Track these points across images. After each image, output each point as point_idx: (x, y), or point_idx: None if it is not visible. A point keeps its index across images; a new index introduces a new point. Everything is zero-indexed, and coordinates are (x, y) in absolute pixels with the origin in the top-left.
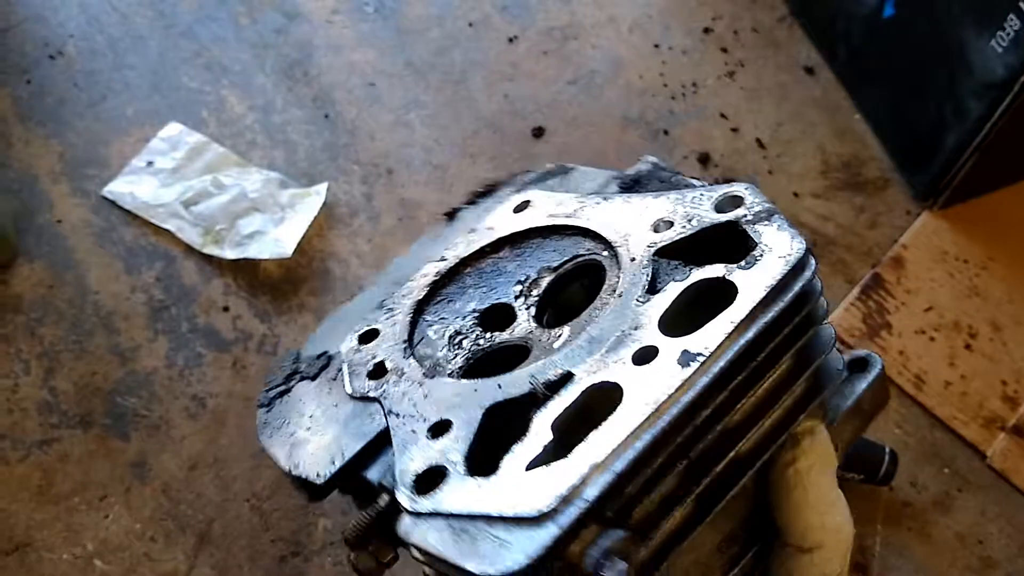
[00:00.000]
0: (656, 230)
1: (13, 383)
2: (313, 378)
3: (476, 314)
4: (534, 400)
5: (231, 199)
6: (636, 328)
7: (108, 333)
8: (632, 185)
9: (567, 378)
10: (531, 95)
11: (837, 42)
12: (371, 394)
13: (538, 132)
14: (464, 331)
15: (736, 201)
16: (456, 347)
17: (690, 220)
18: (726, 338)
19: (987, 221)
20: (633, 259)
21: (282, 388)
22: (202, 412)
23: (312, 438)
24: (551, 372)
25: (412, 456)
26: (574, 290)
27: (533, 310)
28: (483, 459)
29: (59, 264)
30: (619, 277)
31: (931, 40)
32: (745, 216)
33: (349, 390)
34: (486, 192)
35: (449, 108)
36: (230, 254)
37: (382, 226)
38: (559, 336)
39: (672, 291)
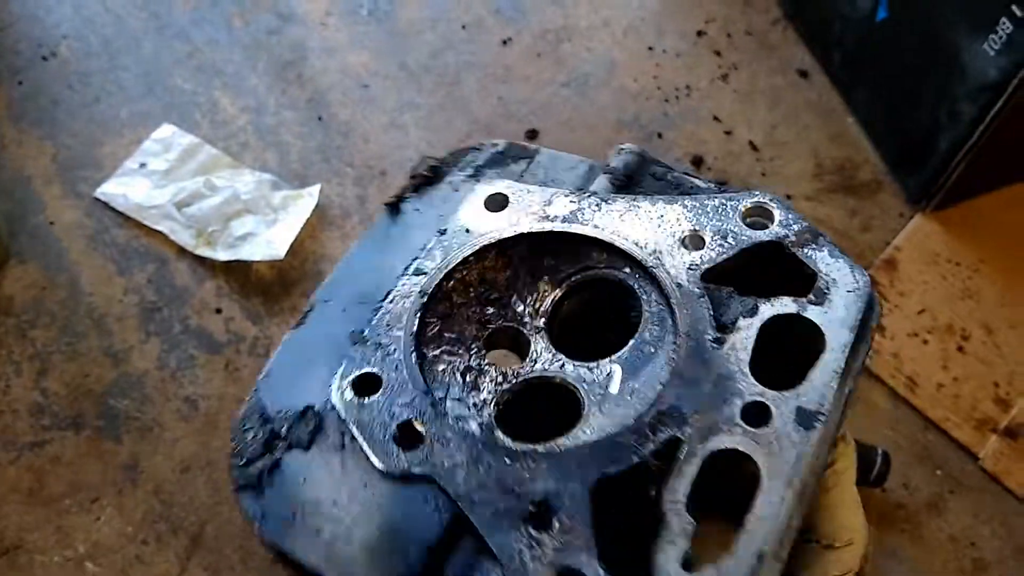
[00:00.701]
0: (686, 246)
1: (4, 384)
2: (307, 447)
3: (480, 342)
4: (642, 472)
5: (224, 201)
6: (726, 377)
7: (100, 335)
8: (626, 183)
9: (674, 443)
10: (525, 97)
11: (831, 45)
12: (416, 471)
13: (532, 134)
14: (475, 367)
15: (766, 214)
16: (472, 388)
17: (725, 237)
18: (833, 392)
19: (980, 224)
20: (680, 285)
21: (266, 461)
22: (194, 414)
23: (352, 535)
24: (652, 439)
25: (524, 559)
26: (572, 304)
27: (546, 335)
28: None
29: (52, 266)
30: (664, 306)
31: (924, 43)
32: (787, 236)
33: (381, 466)
34: (431, 178)
35: (443, 110)
36: (223, 256)
37: None
38: (608, 376)
39: (747, 330)
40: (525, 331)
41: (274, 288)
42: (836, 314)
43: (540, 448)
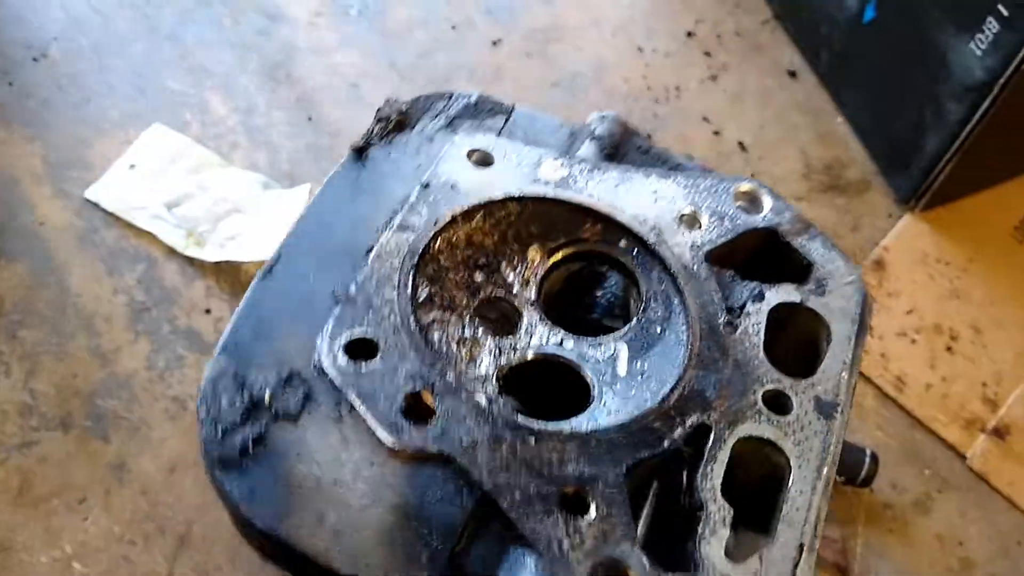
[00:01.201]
0: (685, 225)
1: None
2: (295, 418)
3: (472, 310)
4: (672, 457)
5: (213, 201)
6: (743, 363)
7: (89, 335)
8: (612, 152)
9: (702, 429)
10: (514, 97)
11: (820, 46)
12: (431, 449)
13: None
14: (470, 336)
15: (755, 200)
16: (471, 359)
17: (721, 219)
18: (846, 382)
19: (968, 223)
20: (685, 266)
21: (247, 434)
22: (182, 414)
23: (362, 520)
24: (680, 424)
25: (562, 547)
26: (560, 276)
27: (539, 307)
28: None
29: (40, 266)
30: (670, 285)
31: (911, 43)
32: (780, 224)
33: (391, 443)
34: (401, 123)
35: None
36: (212, 256)
37: None
38: (615, 355)
39: (756, 315)
40: (516, 302)
41: None
42: (837, 305)
43: (564, 428)
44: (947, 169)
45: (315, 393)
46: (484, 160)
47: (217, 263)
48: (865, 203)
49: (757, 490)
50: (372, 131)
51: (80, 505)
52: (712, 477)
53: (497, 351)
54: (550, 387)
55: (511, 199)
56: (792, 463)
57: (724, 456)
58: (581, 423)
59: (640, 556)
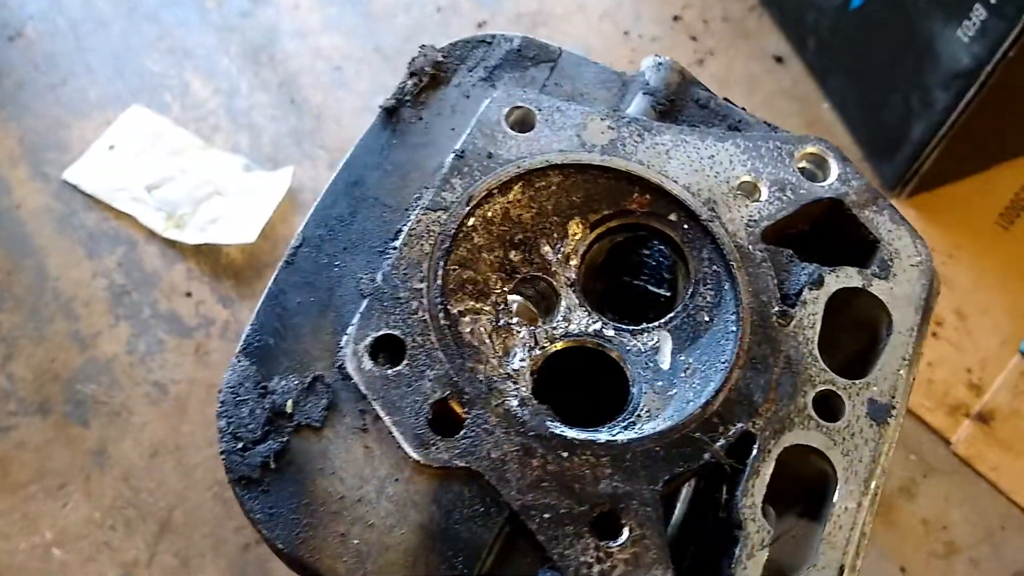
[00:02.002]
0: (741, 196)
1: None
2: (319, 427)
3: (506, 295)
4: (712, 470)
5: (194, 184)
6: (795, 360)
7: (68, 319)
8: (668, 107)
9: (747, 438)
10: None
11: (806, 32)
12: (458, 463)
13: None
14: (504, 324)
15: (821, 165)
16: (504, 351)
17: (783, 189)
18: (903, 381)
19: (953, 210)
20: (739, 246)
21: (270, 445)
22: (164, 399)
23: (387, 541)
24: (723, 432)
25: (591, 572)
26: (603, 252)
27: (578, 289)
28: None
29: (18, 250)
30: (722, 267)
31: (898, 30)
32: (847, 193)
33: (418, 457)
34: (436, 77)
35: None
36: (193, 239)
37: None
38: (655, 345)
39: (813, 304)
40: (555, 283)
41: (245, 271)
42: (902, 290)
43: (599, 438)
44: (933, 156)
45: (339, 401)
46: (524, 121)
47: (198, 246)
48: None
49: (800, 499)
50: (404, 87)
51: (60, 491)
52: (754, 493)
53: (533, 341)
54: (588, 379)
55: (553, 167)
56: (839, 475)
57: (768, 469)
58: (617, 429)
59: None
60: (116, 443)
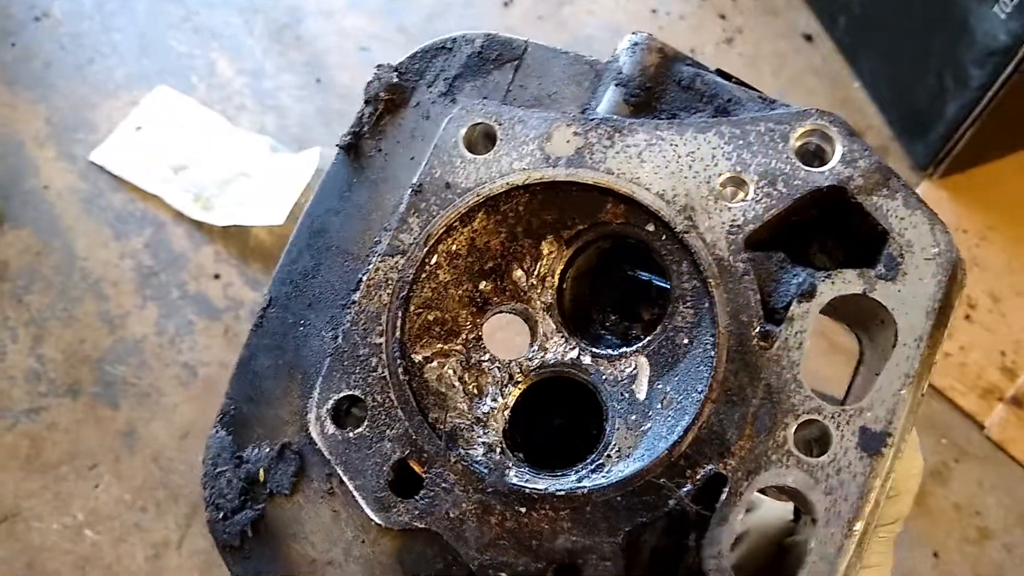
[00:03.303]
0: (725, 196)
1: (0, 351)
2: (290, 493)
3: (477, 329)
4: (678, 518)
5: (221, 165)
6: (776, 389)
7: (97, 300)
8: (643, 98)
9: (717, 480)
10: None
11: (837, 9)
12: (419, 525)
13: None
14: (475, 364)
15: (827, 141)
16: (475, 395)
17: (773, 183)
18: (903, 403)
19: (987, 190)
20: (719, 258)
21: (247, 514)
22: (193, 380)
23: None
24: (690, 475)
25: None
26: (588, 256)
27: (555, 313)
28: None
29: (46, 230)
30: (700, 282)
31: (932, 8)
32: (851, 177)
33: (380, 520)
34: (393, 101)
35: None
36: (220, 220)
37: None
38: (632, 372)
39: (802, 320)
40: (529, 309)
41: (273, 253)
42: (911, 292)
43: (560, 491)
44: (967, 135)
45: (308, 465)
46: (485, 139)
47: (225, 228)
48: None
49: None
50: (361, 117)
51: (91, 472)
52: (720, 542)
53: (507, 376)
54: (566, 412)
55: (515, 189)
56: (819, 518)
57: (737, 516)
58: (584, 472)
59: None
60: (146, 424)
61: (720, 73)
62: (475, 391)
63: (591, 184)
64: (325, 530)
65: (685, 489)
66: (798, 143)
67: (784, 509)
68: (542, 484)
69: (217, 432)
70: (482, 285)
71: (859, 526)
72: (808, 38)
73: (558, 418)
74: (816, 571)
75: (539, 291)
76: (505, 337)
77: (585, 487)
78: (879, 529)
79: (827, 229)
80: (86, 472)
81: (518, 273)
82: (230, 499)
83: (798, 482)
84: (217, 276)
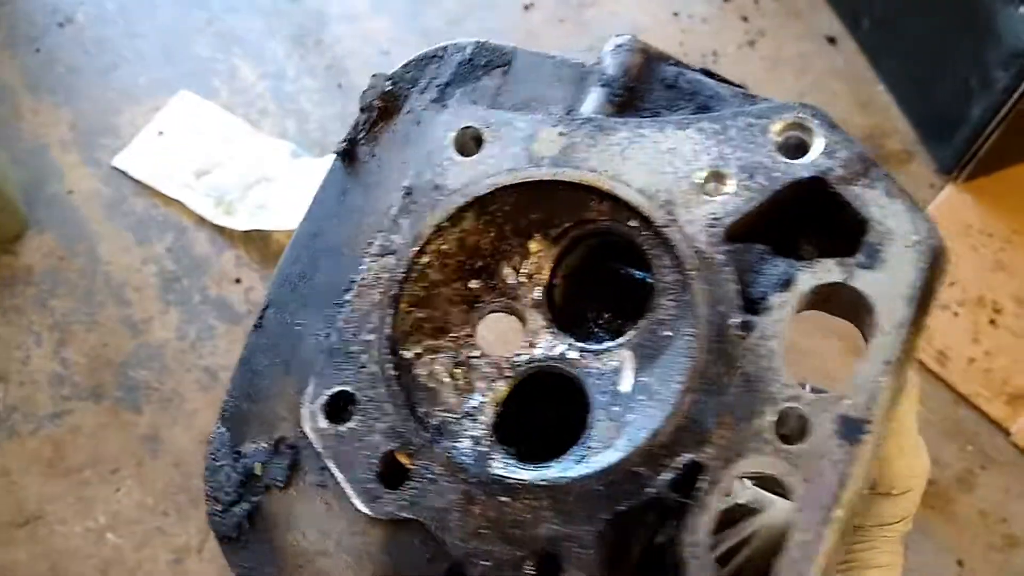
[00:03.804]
0: (706, 191)
1: (25, 355)
2: (284, 486)
3: (469, 327)
4: (656, 505)
5: (242, 169)
6: (755, 378)
7: (119, 305)
8: (627, 97)
9: (695, 469)
10: None
11: (860, 11)
12: (405, 515)
13: None
14: (464, 361)
15: (808, 134)
16: (465, 390)
17: (752, 175)
18: (884, 390)
19: (1013, 194)
20: (699, 251)
21: (244, 507)
22: (214, 385)
23: None
24: (669, 463)
25: None
26: (579, 255)
27: (545, 309)
28: None
29: (70, 235)
30: (680, 275)
31: (957, 9)
32: (832, 169)
33: (368, 511)
34: (387, 109)
35: None
36: (242, 225)
37: None
38: (617, 366)
39: (781, 309)
40: (519, 306)
41: None
42: (890, 280)
43: (541, 481)
44: (992, 138)
45: (303, 459)
46: (472, 143)
47: (247, 232)
48: (906, 173)
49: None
50: (357, 125)
51: (113, 476)
52: (698, 530)
53: (496, 371)
54: (556, 406)
55: (502, 189)
56: (796, 503)
57: (715, 503)
58: (567, 464)
59: None
60: (168, 429)
61: (705, 72)
62: (465, 386)
63: (574, 182)
64: (317, 521)
65: (664, 478)
66: (779, 136)
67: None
68: (524, 475)
69: (218, 428)
70: (472, 284)
71: (838, 513)
72: (831, 40)
73: (548, 412)
74: (793, 557)
75: (528, 288)
76: (502, 333)
77: (565, 477)
78: (883, 528)
79: (813, 222)
80: (108, 476)
81: (507, 271)
82: (228, 492)
83: (776, 469)
84: (238, 280)
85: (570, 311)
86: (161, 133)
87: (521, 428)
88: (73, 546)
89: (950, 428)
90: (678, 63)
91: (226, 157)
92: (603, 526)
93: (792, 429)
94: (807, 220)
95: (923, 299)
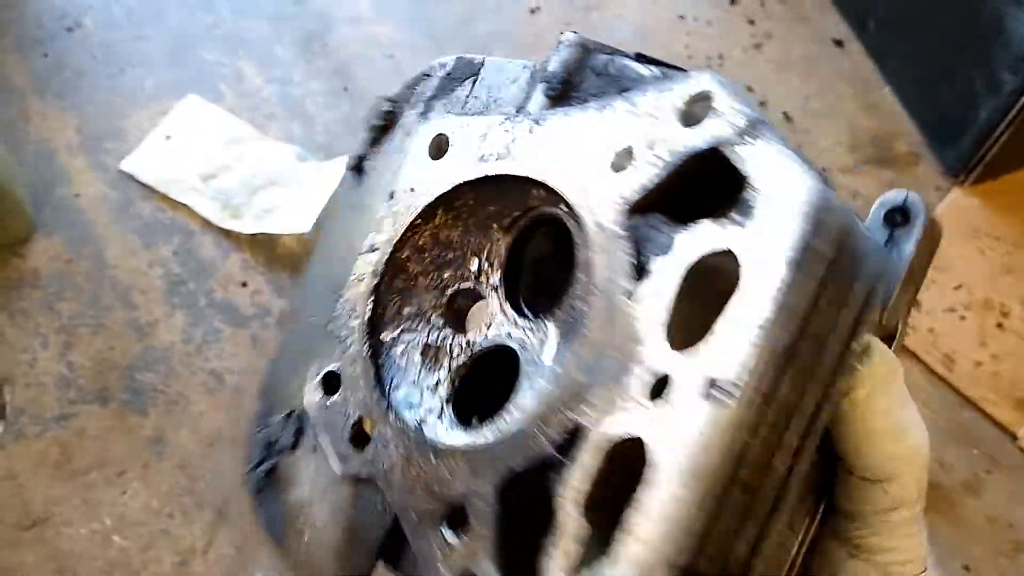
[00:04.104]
0: (616, 168)
1: (31, 358)
2: (292, 448)
3: (440, 312)
4: (548, 465)
5: (249, 173)
6: (636, 341)
7: (126, 308)
8: (562, 91)
9: (577, 430)
10: None
11: (867, 14)
12: (364, 473)
13: None
14: (436, 341)
15: (704, 103)
16: (434, 367)
17: (653, 147)
18: (758, 352)
19: (1020, 197)
20: (600, 225)
21: (266, 466)
22: (220, 388)
23: (323, 538)
24: (556, 425)
25: (438, 566)
26: (539, 242)
27: (501, 291)
28: (513, 553)
29: (77, 239)
30: (589, 250)
31: (965, 11)
32: (726, 138)
33: (338, 470)
34: (385, 125)
35: None
36: (248, 228)
37: None
38: (544, 338)
39: (662, 273)
40: (482, 291)
41: (300, 261)
42: (765, 237)
43: (461, 444)
44: (999, 141)
45: (305, 427)
46: (442, 148)
47: (253, 236)
48: (913, 176)
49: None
50: (365, 140)
51: (119, 478)
52: (570, 485)
53: (458, 352)
54: (505, 380)
55: (460, 186)
56: (654, 462)
57: (590, 460)
58: (480, 431)
59: (493, 573)
60: (173, 432)
61: (639, 57)
62: (433, 364)
63: (512, 174)
64: (311, 478)
65: (551, 439)
66: (683, 108)
67: None
68: (449, 439)
69: (259, 402)
70: (446, 274)
71: (704, 477)
72: (838, 43)
73: (499, 385)
74: (650, 515)
75: (488, 274)
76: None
77: (476, 441)
78: (881, 515)
79: (723, 190)
80: (114, 478)
81: (473, 260)
82: (256, 455)
83: (636, 426)
84: (244, 284)
85: (528, 294)
86: (168, 137)
87: (478, 400)
88: (79, 548)
89: (956, 432)
90: (613, 51)
91: (232, 161)
92: (501, 483)
93: (657, 390)
94: (722, 189)
95: (808, 261)
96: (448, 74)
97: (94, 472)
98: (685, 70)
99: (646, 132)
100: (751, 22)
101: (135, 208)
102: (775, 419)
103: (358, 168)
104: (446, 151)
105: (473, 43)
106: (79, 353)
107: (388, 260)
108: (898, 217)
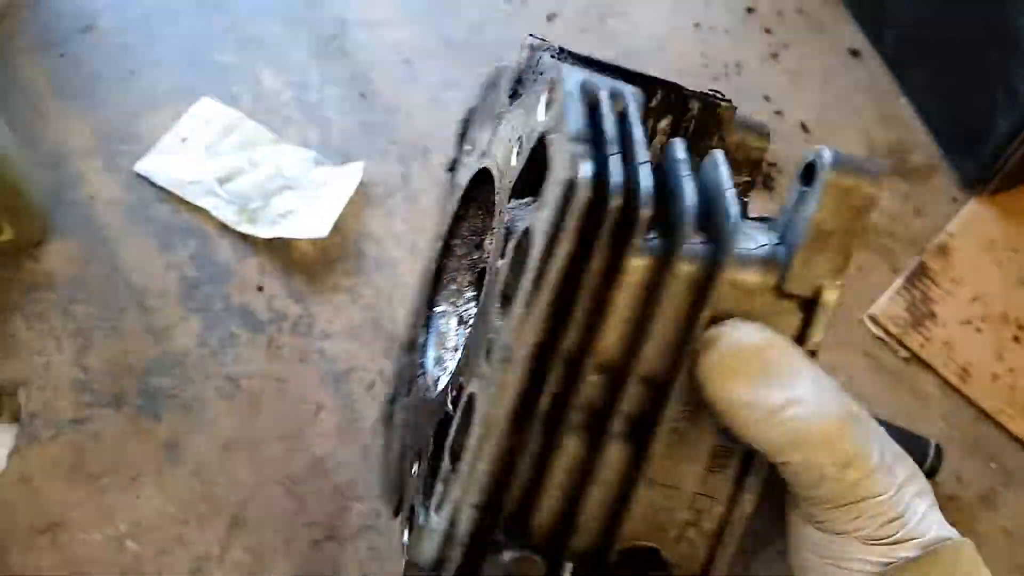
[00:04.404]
0: (512, 158)
1: (46, 361)
2: (399, 397)
3: (471, 288)
4: (450, 418)
5: (265, 177)
6: (486, 311)
7: (141, 311)
8: (515, 90)
9: (460, 391)
10: None
11: (884, 24)
12: (398, 419)
13: None
14: (464, 312)
15: (556, 92)
16: (461, 334)
17: (525, 139)
18: (521, 319)
19: None
20: (500, 211)
21: (386, 408)
22: (236, 393)
23: (388, 460)
24: (454, 385)
25: (409, 496)
26: None
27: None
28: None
29: (92, 241)
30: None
31: (984, 22)
32: (552, 126)
33: (388, 417)
34: (464, 131)
35: None
36: (264, 233)
37: (419, 206)
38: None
39: (495, 250)
40: (487, 267)
41: (317, 266)
42: (539, 215)
43: (430, 399)
44: (1018, 153)
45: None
46: (469, 150)
47: (269, 240)
48: (930, 187)
49: None
50: (455, 144)
51: (133, 483)
52: (450, 433)
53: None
54: None
55: (470, 181)
56: (476, 414)
57: (459, 413)
58: (439, 389)
59: (420, 503)
60: (188, 436)
61: (560, 52)
62: (460, 332)
63: (481, 169)
64: (392, 421)
65: (449, 398)
66: (544, 99)
67: None
68: (431, 394)
69: (396, 351)
70: (475, 255)
71: (493, 427)
72: (855, 53)
73: None
74: (466, 459)
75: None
76: None
77: (429, 397)
78: (853, 507)
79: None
80: (129, 483)
81: (487, 243)
82: (383, 400)
83: (474, 385)
84: (260, 288)
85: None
86: (184, 139)
87: None
88: (93, 554)
89: (973, 445)
90: (563, 50)
91: (249, 164)
92: (434, 430)
93: (486, 352)
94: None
95: (570, 234)
96: (487, 82)
97: (108, 476)
98: (589, 65)
99: (525, 124)
100: (768, 31)
101: (151, 211)
102: (540, 367)
103: (453, 168)
104: (471, 151)
105: (487, 48)
106: (94, 356)
107: (441, 249)
108: (807, 178)
